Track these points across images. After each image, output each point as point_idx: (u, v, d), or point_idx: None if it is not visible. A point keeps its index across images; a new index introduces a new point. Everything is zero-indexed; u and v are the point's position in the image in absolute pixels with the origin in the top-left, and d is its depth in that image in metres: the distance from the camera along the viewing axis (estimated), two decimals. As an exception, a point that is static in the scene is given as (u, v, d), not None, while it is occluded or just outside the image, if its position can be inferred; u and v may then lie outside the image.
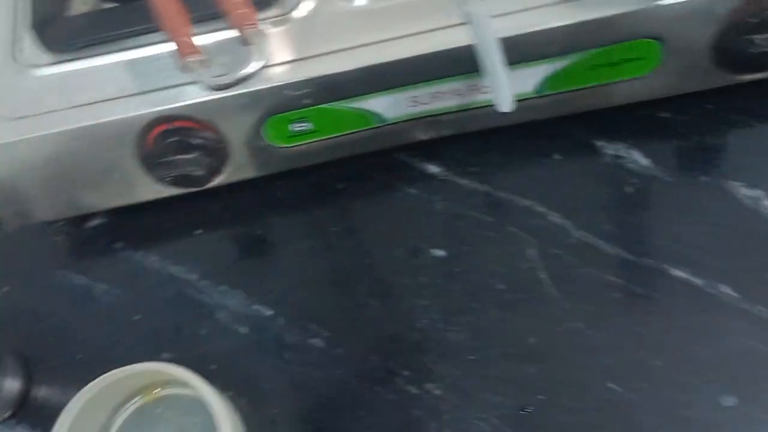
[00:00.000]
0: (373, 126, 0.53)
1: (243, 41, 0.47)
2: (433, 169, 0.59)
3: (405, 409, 0.51)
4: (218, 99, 0.48)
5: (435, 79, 0.50)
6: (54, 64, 0.52)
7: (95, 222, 0.62)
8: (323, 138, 0.53)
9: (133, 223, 0.61)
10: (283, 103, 0.50)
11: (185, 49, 0.46)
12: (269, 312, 0.56)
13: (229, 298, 0.57)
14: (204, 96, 0.49)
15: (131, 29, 0.51)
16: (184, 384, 0.54)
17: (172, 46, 0.47)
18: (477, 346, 0.53)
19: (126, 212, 0.61)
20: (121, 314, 0.58)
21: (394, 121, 0.53)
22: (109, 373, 0.52)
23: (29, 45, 0.52)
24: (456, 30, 0.48)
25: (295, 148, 0.54)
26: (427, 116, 0.53)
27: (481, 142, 0.58)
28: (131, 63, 0.51)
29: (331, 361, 0.54)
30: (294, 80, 0.48)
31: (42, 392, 0.57)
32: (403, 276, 0.56)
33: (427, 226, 0.57)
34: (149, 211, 0.61)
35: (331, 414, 0.52)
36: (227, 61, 0.47)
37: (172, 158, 0.50)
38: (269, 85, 0.48)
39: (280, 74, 0.49)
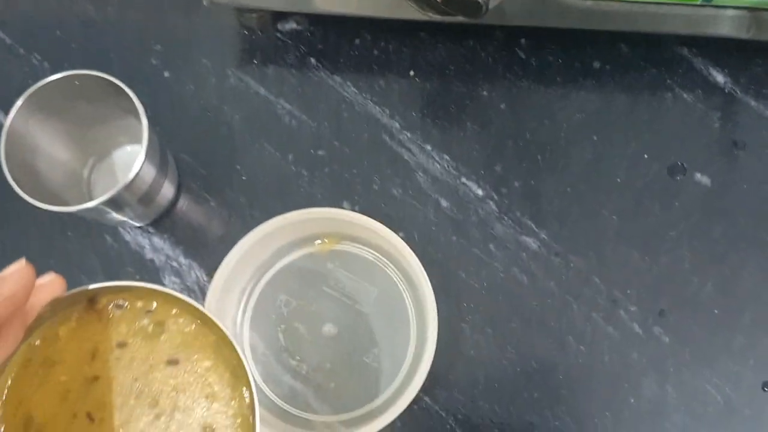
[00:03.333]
0: (695, 3, 0.41)
1: None
2: (718, 77, 0.48)
3: (624, 349, 0.44)
4: None
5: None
6: None
7: (288, 27, 0.51)
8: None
9: (335, 41, 0.50)
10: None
11: None
12: (479, 192, 0.47)
13: (434, 162, 0.48)
14: None
15: None
16: (367, 245, 0.46)
17: None
18: (724, 301, 0.44)
19: (327, 25, 0.51)
20: (302, 143, 0.49)
21: (727, 5, 0.41)
22: (288, 214, 0.44)
23: None
24: None
25: (590, 2, 0.42)
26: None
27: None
28: None
29: (545, 269, 0.45)
30: None
31: (186, 206, 0.49)
32: (655, 196, 0.46)
33: (696, 143, 0.47)
34: (356, 31, 0.51)
35: (532, 327, 0.45)
36: None
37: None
38: None
39: None
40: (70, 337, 0.32)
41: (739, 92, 0.47)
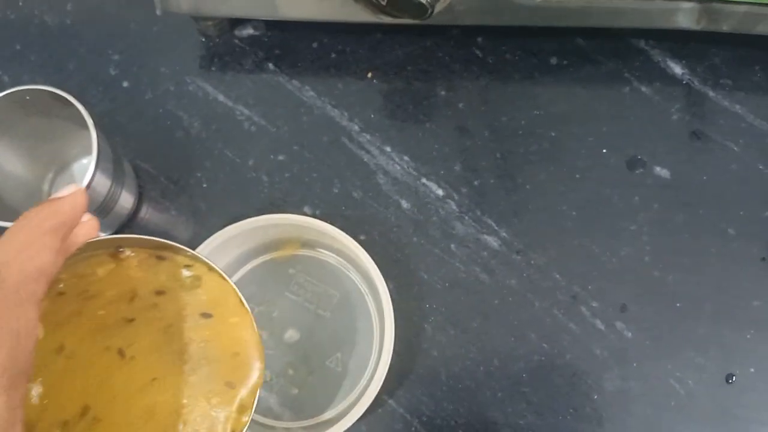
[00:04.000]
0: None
1: None
2: (675, 68, 0.48)
3: (586, 345, 0.43)
4: None
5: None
6: None
7: (246, 32, 0.51)
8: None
9: (292, 46, 0.50)
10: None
11: None
12: (439, 191, 0.47)
13: (394, 163, 0.48)
14: None
15: None
16: (328, 249, 0.46)
17: None
18: (686, 293, 0.44)
19: (284, 29, 0.51)
20: (261, 148, 0.48)
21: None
22: (247, 220, 0.43)
23: None
24: None
25: (539, -1, 0.42)
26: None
27: (745, 53, 0.47)
28: None
29: (506, 266, 0.45)
30: None
31: (148, 214, 0.48)
32: (615, 190, 0.46)
33: (655, 136, 0.47)
34: (313, 35, 0.51)
35: (494, 326, 0.44)
36: None
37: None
38: None
39: None
40: (109, 277, 0.33)
41: (696, 83, 0.47)
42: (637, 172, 0.46)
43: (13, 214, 0.42)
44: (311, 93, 0.49)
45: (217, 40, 0.50)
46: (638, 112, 0.47)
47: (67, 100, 0.40)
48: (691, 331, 0.43)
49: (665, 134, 0.46)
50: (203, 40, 0.50)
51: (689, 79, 0.47)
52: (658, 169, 0.46)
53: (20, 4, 0.52)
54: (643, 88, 0.47)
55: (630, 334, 0.43)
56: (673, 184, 0.45)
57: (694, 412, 0.42)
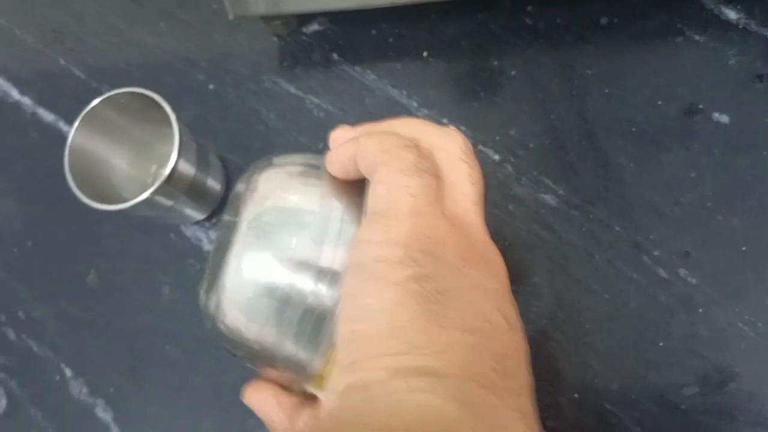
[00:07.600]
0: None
1: None
2: (730, 14, 0.47)
3: (650, 293, 0.44)
4: None
5: None
6: None
7: (312, 28, 0.56)
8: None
9: (354, 35, 0.54)
10: None
11: None
12: (496, 156, 0.49)
13: (452, 134, 0.50)
14: None
15: None
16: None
17: None
18: (752, 235, 0.43)
19: (346, 21, 0.55)
20: (330, 131, 0.53)
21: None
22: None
23: None
24: None
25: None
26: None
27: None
28: None
29: (565, 222, 0.46)
30: None
31: (239, 201, 0.54)
32: (673, 139, 0.46)
33: (712, 83, 0.46)
34: (372, 23, 0.54)
35: (556, 280, 0.46)
36: None
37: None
38: None
39: None
40: None
41: (754, 26, 0.46)
42: (695, 119, 0.45)
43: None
44: (373, 77, 0.53)
45: (288, 38, 0.55)
46: (693, 61, 0.46)
47: (156, 102, 0.46)
48: (759, 273, 0.42)
49: (723, 80, 0.46)
50: (275, 39, 0.56)
51: (746, 22, 0.46)
52: (716, 115, 0.45)
53: (122, 27, 0.60)
54: (697, 37, 0.47)
55: (694, 281, 0.43)
56: (734, 129, 0.45)
57: (765, 352, 0.41)
